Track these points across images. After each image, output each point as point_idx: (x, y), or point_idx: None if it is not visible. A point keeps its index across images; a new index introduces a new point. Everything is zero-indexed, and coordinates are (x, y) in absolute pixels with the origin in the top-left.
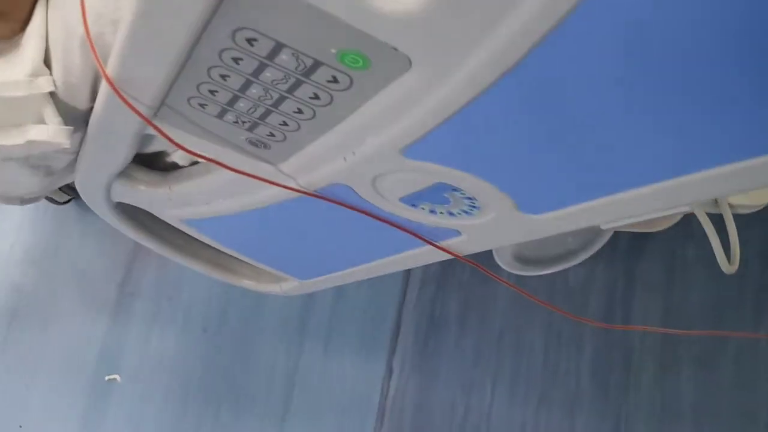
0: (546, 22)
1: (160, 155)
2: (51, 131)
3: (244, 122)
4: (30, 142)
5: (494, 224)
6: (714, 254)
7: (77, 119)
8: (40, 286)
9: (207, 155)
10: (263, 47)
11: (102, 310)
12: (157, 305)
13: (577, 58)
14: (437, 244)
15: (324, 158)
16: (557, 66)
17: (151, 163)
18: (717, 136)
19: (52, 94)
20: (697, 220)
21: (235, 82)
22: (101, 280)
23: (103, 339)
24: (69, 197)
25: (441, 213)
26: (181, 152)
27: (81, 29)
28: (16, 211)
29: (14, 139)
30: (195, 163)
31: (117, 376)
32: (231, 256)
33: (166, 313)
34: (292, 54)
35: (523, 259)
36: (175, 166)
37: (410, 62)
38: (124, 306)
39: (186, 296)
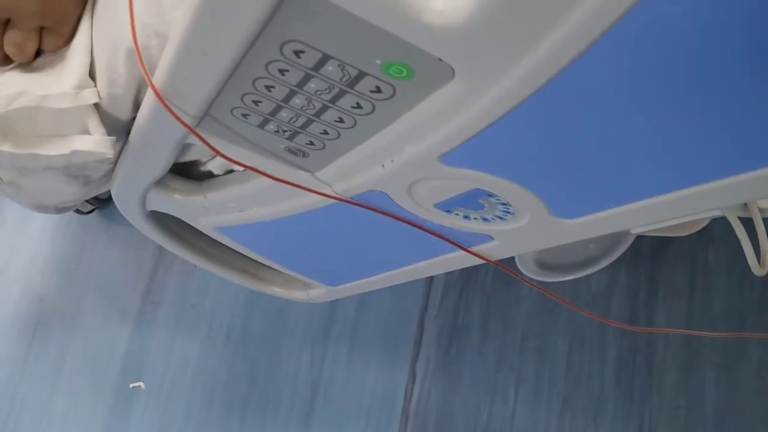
0: (585, 39)
1: (194, 164)
2: (95, 141)
3: (284, 131)
4: (74, 152)
5: (527, 229)
6: (735, 258)
7: (119, 129)
8: (63, 295)
9: (246, 163)
10: (310, 59)
11: (125, 318)
12: (180, 313)
13: (611, 73)
14: (470, 249)
15: (362, 166)
16: (591, 80)
17: (185, 171)
18: (748, 142)
19: (96, 105)
20: (718, 225)
21: (280, 92)
22: (125, 288)
23: (127, 347)
24: (93, 207)
25: (475, 218)
26: (216, 161)
27: (126, 42)
28: (39, 221)
29: (59, 149)
30: (230, 171)
31: (141, 384)
32: (260, 263)
33: (189, 320)
34: (338, 65)
35: (545, 266)
36: (209, 175)
37: (453, 72)
38: (148, 314)
39: (209, 304)
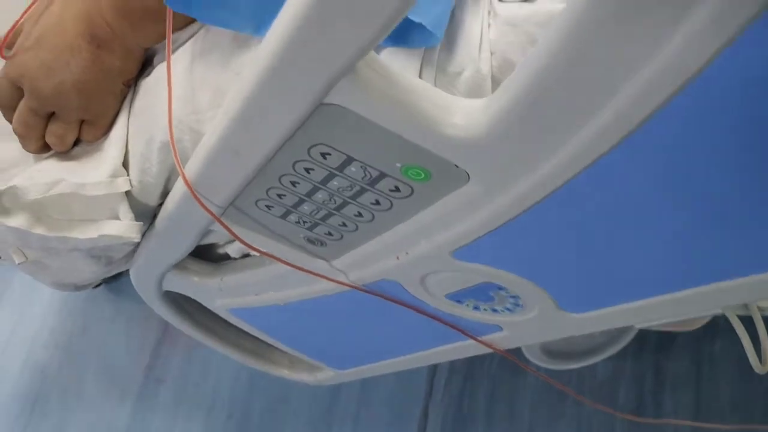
0: (600, 147)
1: (211, 246)
2: (124, 227)
3: (305, 222)
4: (102, 236)
5: (535, 321)
6: (742, 349)
7: (146, 215)
8: (65, 370)
9: (265, 250)
10: (335, 160)
11: (127, 395)
12: (182, 391)
13: (627, 178)
14: (479, 338)
15: (377, 256)
16: (606, 183)
17: (202, 254)
18: (752, 247)
19: (127, 193)
20: (723, 318)
21: (304, 188)
22: (128, 365)
23: (127, 424)
24: (101, 281)
25: (485, 309)
26: (234, 245)
27: (161, 135)
28: (46, 293)
29: (89, 233)
30: (247, 255)
31: None
32: (268, 344)
33: (191, 399)
34: (361, 167)
35: (551, 353)
36: (226, 257)
37: (468, 177)
38: (150, 391)
39: (212, 382)
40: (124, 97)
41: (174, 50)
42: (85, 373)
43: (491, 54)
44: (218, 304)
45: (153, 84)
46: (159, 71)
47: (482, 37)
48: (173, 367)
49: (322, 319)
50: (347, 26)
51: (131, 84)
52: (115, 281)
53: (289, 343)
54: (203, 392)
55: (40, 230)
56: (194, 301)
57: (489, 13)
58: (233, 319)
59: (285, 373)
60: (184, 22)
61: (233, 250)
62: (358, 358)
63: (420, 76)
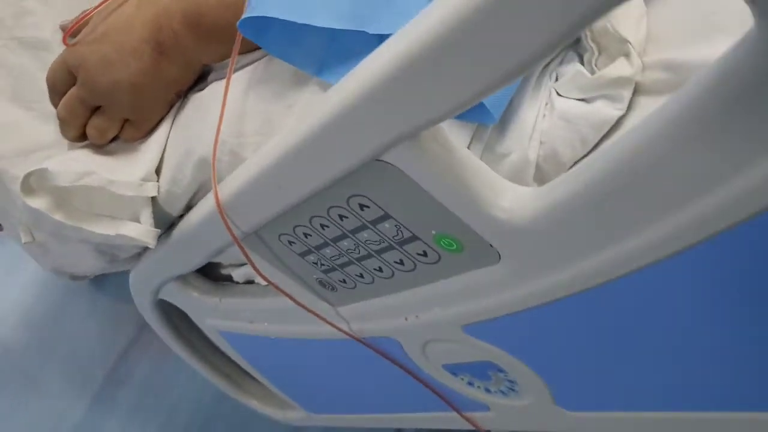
0: (641, 261)
1: (215, 266)
2: (142, 231)
3: (322, 265)
4: (119, 236)
5: (527, 410)
6: None
7: (164, 223)
8: (29, 354)
9: (274, 282)
10: (371, 214)
11: (85, 391)
12: (141, 400)
13: (654, 295)
14: (464, 414)
15: (385, 313)
16: (635, 297)
17: (204, 270)
18: (741, 384)
19: (153, 198)
20: None
21: (332, 233)
22: (93, 362)
23: (78, 422)
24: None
25: (478, 387)
26: (240, 270)
27: (201, 151)
28: (28, 273)
29: (106, 229)
30: (251, 282)
31: None
32: (245, 372)
33: (149, 408)
34: (395, 225)
35: None
36: (227, 279)
37: (500, 258)
38: (108, 393)
39: (174, 397)
40: (172, 106)
41: (228, 73)
42: (48, 361)
43: (540, 143)
44: (209, 323)
45: (203, 99)
46: (213, 88)
47: (535, 126)
48: (138, 373)
49: (310, 361)
50: (426, 98)
51: (182, 95)
52: (100, 277)
53: (269, 377)
54: (163, 404)
55: (58, 216)
56: (184, 314)
57: (546, 104)
58: (219, 341)
59: (254, 404)
60: (248, 48)
61: (238, 274)
62: (335, 406)
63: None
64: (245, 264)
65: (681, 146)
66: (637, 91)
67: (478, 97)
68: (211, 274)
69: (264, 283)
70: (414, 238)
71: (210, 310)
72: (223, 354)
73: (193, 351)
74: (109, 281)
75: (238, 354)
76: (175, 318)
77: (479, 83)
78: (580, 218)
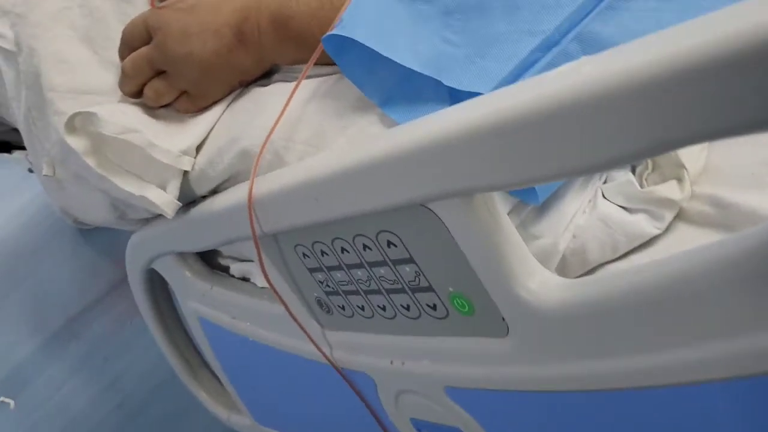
0: (652, 380)
1: (215, 253)
2: (165, 200)
3: (327, 286)
4: (142, 197)
5: None
6: None
7: (186, 198)
8: None
9: (276, 288)
10: (396, 253)
11: (38, 333)
12: (91, 357)
13: (647, 415)
14: None
15: (373, 351)
16: (629, 410)
17: (203, 254)
18: None
19: (185, 172)
20: None
21: (349, 258)
22: (55, 306)
23: (20, 360)
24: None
25: None
26: (241, 266)
27: (245, 142)
28: (20, 202)
29: (131, 187)
30: (246, 279)
31: (12, 402)
32: (205, 364)
33: (95, 369)
34: (416, 271)
35: None
36: (223, 269)
37: (507, 332)
38: (61, 341)
39: (123, 364)
40: (232, 91)
41: (296, 78)
42: (12, 291)
43: (573, 236)
44: (191, 306)
45: (263, 95)
46: (276, 87)
47: (573, 219)
48: (96, 330)
49: (278, 372)
50: (493, 166)
51: (244, 84)
52: (91, 228)
53: (230, 375)
54: (107, 369)
55: (90, 161)
56: (167, 288)
57: (589, 201)
58: (194, 325)
59: (203, 396)
60: (323, 60)
61: (236, 269)
62: (284, 424)
63: None
64: (246, 260)
65: (730, 286)
66: (679, 215)
67: (541, 181)
68: (208, 259)
69: (261, 284)
70: (429, 288)
71: (197, 294)
72: (189, 338)
73: (163, 325)
74: (96, 232)
75: (208, 344)
76: (158, 288)
77: (547, 170)
78: (604, 322)
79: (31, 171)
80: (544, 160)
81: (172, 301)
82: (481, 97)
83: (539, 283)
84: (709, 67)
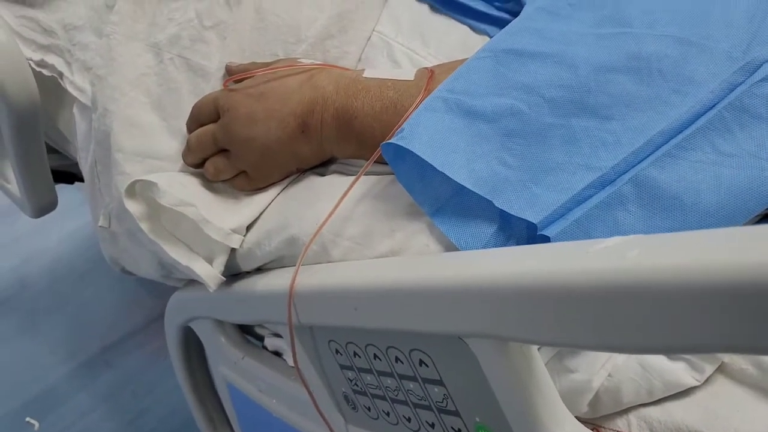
0: None
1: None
2: (210, 273)
3: (356, 385)
4: (188, 268)
5: None
6: None
7: (231, 272)
8: (42, 298)
9: (305, 377)
10: (426, 373)
11: (73, 357)
12: (119, 390)
13: None
14: None
15: None
16: None
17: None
18: None
19: (233, 249)
20: None
21: (381, 366)
22: (93, 332)
23: (53, 383)
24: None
25: None
26: (275, 341)
27: (295, 230)
28: (74, 225)
29: (179, 255)
30: (278, 353)
31: (36, 424)
32: (228, 423)
33: (120, 402)
34: (444, 394)
35: None
36: (259, 337)
37: None
38: (93, 369)
39: (147, 403)
40: (289, 176)
41: (353, 173)
42: (55, 313)
43: (609, 375)
44: (221, 370)
45: (319, 185)
46: (331, 179)
47: (611, 357)
48: (129, 363)
49: None
50: (533, 325)
51: (302, 171)
52: None
53: None
54: (133, 404)
55: (144, 225)
56: (201, 347)
57: None
58: (222, 389)
59: None
60: (382, 159)
61: (270, 343)
62: None
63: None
64: (281, 337)
65: None
66: (721, 369)
67: (575, 347)
68: (245, 325)
69: (292, 363)
70: (456, 413)
71: (229, 361)
72: (215, 395)
73: (192, 380)
74: None
75: (233, 408)
76: (192, 345)
77: (584, 341)
78: None
79: None
80: (581, 331)
81: (204, 359)
82: (531, 250)
83: None
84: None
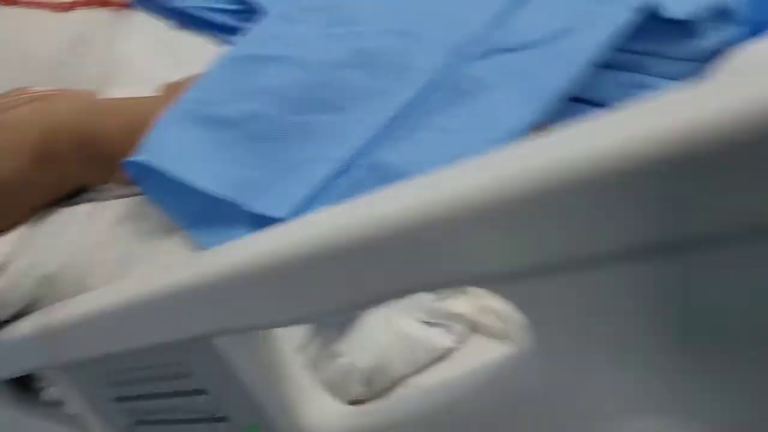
0: None
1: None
2: None
3: (136, 416)
4: None
5: None
6: None
7: None
8: None
9: (88, 422)
10: (188, 384)
11: None
12: None
13: None
14: None
15: None
16: None
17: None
18: None
19: None
20: None
21: (148, 388)
22: None
23: None
24: None
25: None
26: (49, 389)
27: (46, 269)
28: None
29: None
30: (59, 403)
31: None
32: None
33: None
34: (210, 403)
35: None
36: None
37: None
38: None
39: None
40: (34, 212)
41: (106, 198)
42: None
43: (374, 354)
44: None
45: (67, 217)
46: (81, 208)
47: (373, 336)
48: None
49: None
50: (268, 307)
51: (48, 204)
52: None
53: None
54: None
55: None
56: None
57: (390, 318)
58: None
59: None
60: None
61: (48, 393)
62: None
63: None
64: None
65: None
66: (474, 327)
67: (314, 317)
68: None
69: (74, 411)
70: (226, 419)
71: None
72: None
73: None
74: None
75: None
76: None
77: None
78: None
79: None
80: (311, 299)
81: None
82: (250, 238)
83: (320, 414)
84: None
